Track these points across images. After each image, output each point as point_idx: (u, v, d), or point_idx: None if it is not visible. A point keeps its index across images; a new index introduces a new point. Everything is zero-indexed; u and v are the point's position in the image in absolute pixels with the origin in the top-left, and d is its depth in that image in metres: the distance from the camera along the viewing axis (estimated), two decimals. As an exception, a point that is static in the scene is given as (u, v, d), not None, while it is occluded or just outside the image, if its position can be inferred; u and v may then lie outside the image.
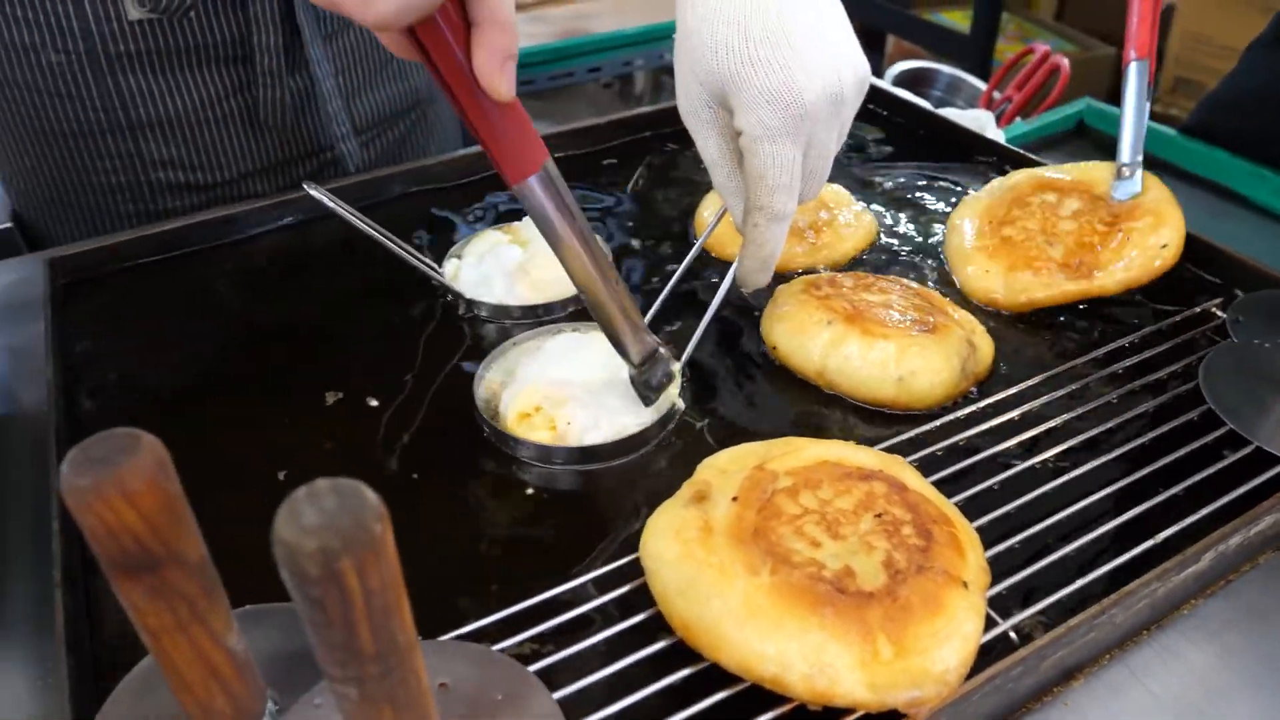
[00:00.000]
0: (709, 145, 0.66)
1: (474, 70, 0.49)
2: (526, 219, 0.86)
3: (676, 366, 0.66)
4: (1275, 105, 1.10)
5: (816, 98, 0.61)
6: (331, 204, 0.72)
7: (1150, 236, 0.77)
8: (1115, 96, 0.89)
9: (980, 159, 1.02)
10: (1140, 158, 0.81)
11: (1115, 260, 0.77)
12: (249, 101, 0.91)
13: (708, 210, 0.89)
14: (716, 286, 0.75)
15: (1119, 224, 0.79)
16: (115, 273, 0.83)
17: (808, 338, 0.69)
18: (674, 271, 0.80)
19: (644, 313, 0.74)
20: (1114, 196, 0.80)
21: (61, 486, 0.32)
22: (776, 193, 0.64)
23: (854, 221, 0.88)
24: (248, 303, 0.81)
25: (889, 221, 0.92)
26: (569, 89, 3.52)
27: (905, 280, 0.78)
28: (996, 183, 0.88)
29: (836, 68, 0.62)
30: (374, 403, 0.69)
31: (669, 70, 3.47)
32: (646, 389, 0.65)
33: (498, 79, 0.49)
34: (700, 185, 0.97)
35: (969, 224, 0.84)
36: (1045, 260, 0.78)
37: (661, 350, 0.64)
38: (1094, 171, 0.85)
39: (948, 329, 0.69)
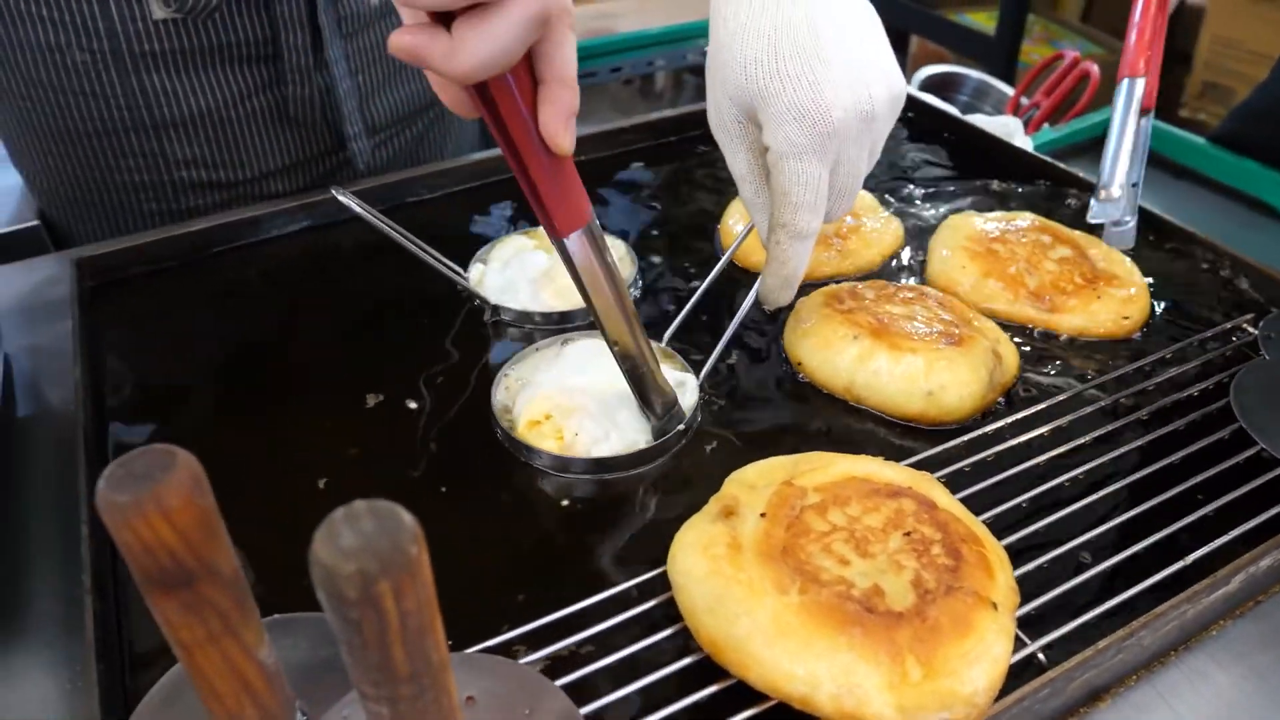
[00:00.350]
0: (737, 160, 0.66)
1: (539, 126, 0.50)
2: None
3: (692, 379, 0.66)
4: None
5: (845, 114, 0.60)
6: (358, 208, 0.72)
7: (1120, 304, 0.78)
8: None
9: (1008, 169, 1.02)
10: (1125, 181, 0.73)
11: (1078, 312, 0.77)
12: (277, 99, 0.91)
13: (732, 219, 0.89)
14: (742, 298, 0.74)
15: (1097, 283, 0.79)
16: (142, 274, 0.83)
17: (834, 353, 0.69)
18: (699, 280, 0.80)
19: (669, 323, 0.74)
20: (1090, 216, 0.75)
21: (98, 502, 0.32)
22: (801, 210, 0.63)
23: (881, 228, 0.87)
24: (274, 305, 0.82)
25: (915, 227, 0.92)
26: (590, 88, 3.52)
27: (926, 288, 0.78)
28: (1004, 213, 0.89)
29: (867, 83, 0.61)
30: (412, 405, 0.70)
31: (691, 70, 3.47)
32: (661, 432, 0.65)
33: (563, 135, 0.50)
34: (727, 191, 0.96)
35: (964, 228, 0.85)
36: (1018, 283, 0.80)
37: (681, 400, 0.66)
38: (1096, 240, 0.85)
39: (973, 340, 0.69)
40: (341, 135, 0.96)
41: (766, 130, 0.61)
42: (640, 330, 0.61)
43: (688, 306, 0.76)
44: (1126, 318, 0.77)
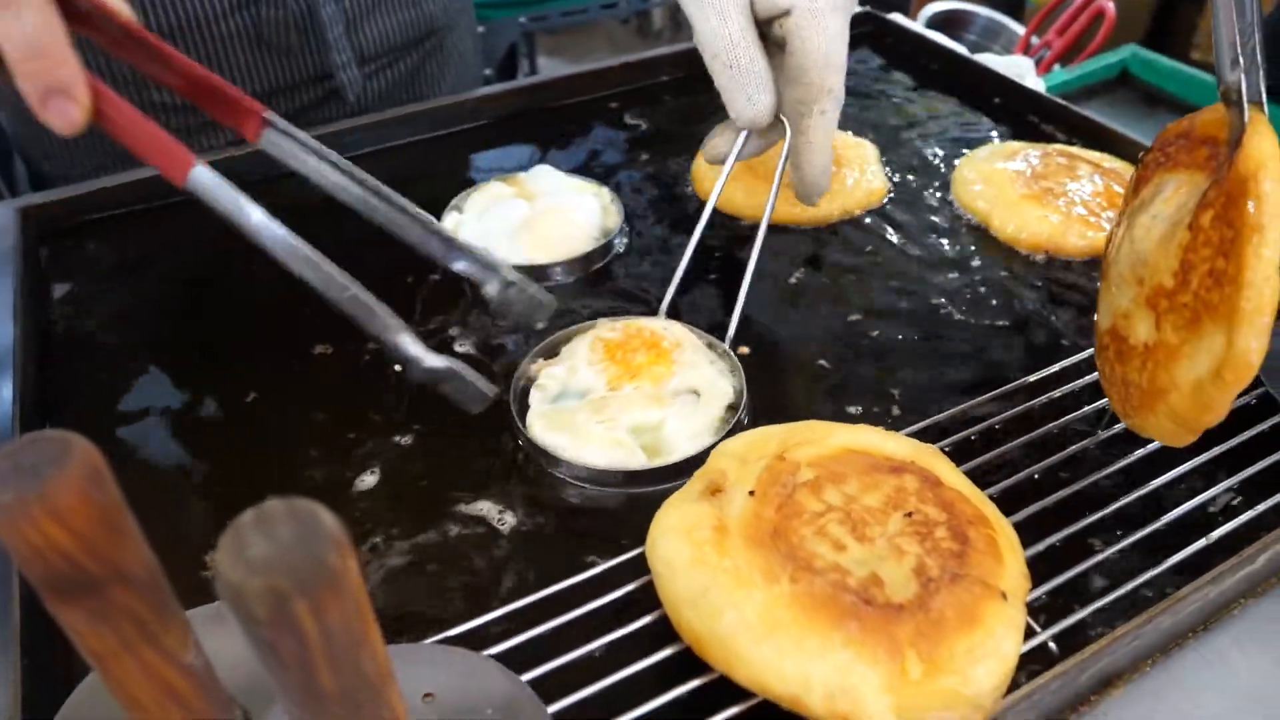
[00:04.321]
0: (729, 23, 0.60)
1: None
2: (535, 169, 0.81)
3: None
4: None
5: None
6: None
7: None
8: (1157, 42, 0.82)
9: (1018, 113, 0.96)
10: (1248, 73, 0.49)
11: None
12: (252, 19, 0.86)
13: (704, 164, 0.84)
14: (730, 246, 0.70)
15: None
16: (92, 222, 0.78)
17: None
18: (685, 231, 0.75)
19: (657, 281, 0.69)
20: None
21: (-19, 501, 0.28)
22: (842, 73, 0.60)
23: (860, 180, 0.82)
24: (235, 254, 0.76)
25: (910, 168, 0.86)
26: (585, 26, 3.42)
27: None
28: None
29: None
30: (368, 358, 0.66)
31: (687, 6, 3.37)
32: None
33: None
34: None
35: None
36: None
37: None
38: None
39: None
40: (328, 63, 0.91)
41: None
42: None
43: (681, 265, 0.69)
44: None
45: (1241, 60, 0.49)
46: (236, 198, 0.50)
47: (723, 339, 0.64)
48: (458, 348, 0.68)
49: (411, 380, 0.51)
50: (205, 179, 0.50)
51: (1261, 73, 0.49)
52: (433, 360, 0.50)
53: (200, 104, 0.53)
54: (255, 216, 0.50)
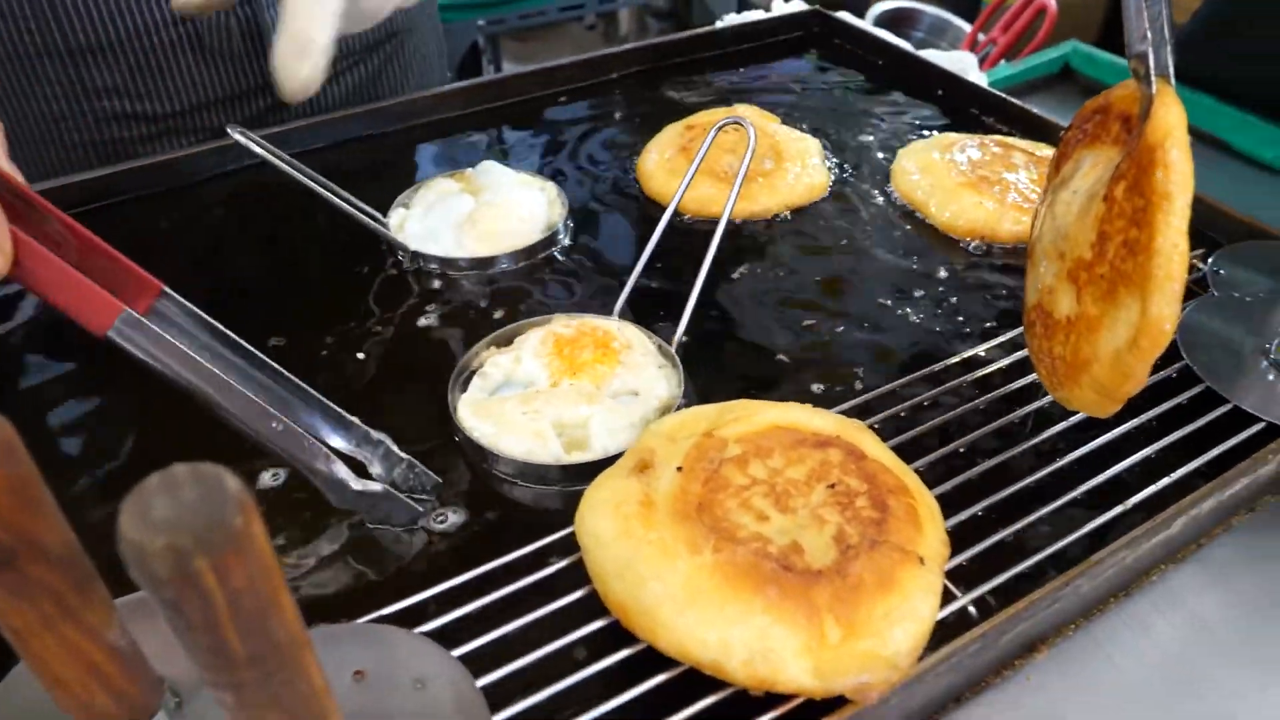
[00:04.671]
0: None
1: None
2: (482, 165, 0.82)
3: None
4: (1222, 43, 1.05)
5: None
6: (261, 150, 0.67)
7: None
8: (1105, 40, 0.84)
9: (960, 104, 0.98)
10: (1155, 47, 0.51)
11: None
12: (194, 27, 0.86)
13: (651, 155, 0.86)
14: (679, 243, 0.71)
15: None
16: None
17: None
18: (627, 220, 0.76)
19: (611, 277, 0.69)
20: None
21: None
22: None
23: (801, 174, 0.84)
24: (187, 252, 0.77)
25: (853, 161, 0.88)
26: (551, 32, 3.43)
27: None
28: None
29: None
30: (324, 354, 0.67)
31: (655, 13, 3.39)
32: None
33: None
34: (652, 129, 0.92)
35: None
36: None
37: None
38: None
39: None
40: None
41: None
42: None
43: (636, 270, 0.70)
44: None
45: (1150, 35, 0.51)
46: (161, 341, 0.49)
47: (672, 335, 0.65)
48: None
49: (340, 506, 0.52)
50: (128, 328, 0.48)
51: (1169, 47, 0.51)
52: (360, 485, 0.52)
53: (92, 275, 0.49)
54: (181, 358, 0.49)
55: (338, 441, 0.55)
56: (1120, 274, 0.47)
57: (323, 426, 0.55)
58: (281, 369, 0.54)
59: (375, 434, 0.55)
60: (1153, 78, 0.49)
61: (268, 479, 0.57)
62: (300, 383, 0.54)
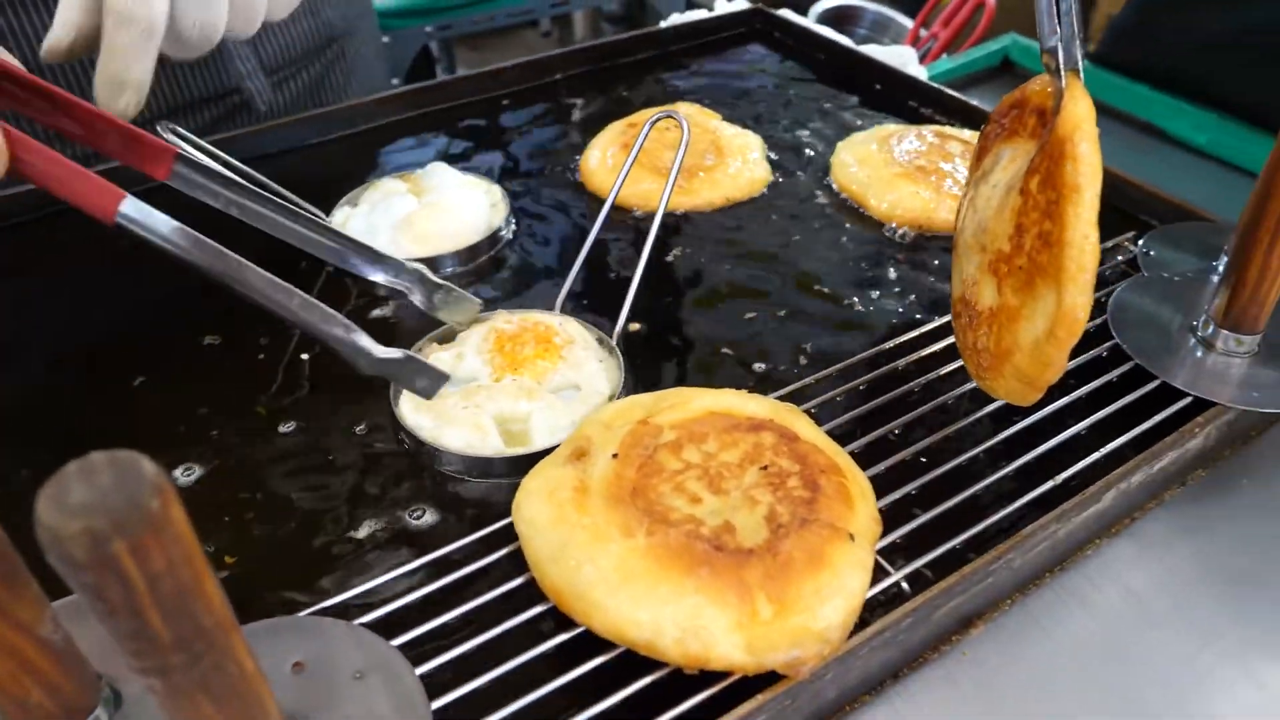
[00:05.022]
0: None
1: None
2: (430, 167, 0.82)
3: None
4: (1154, 31, 1.07)
5: None
6: (189, 149, 0.66)
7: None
8: None
9: (900, 97, 1.00)
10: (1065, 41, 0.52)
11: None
12: None
13: (594, 154, 0.86)
14: (621, 237, 0.71)
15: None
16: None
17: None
18: (566, 218, 0.76)
19: (554, 275, 0.69)
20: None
21: None
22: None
23: (742, 169, 0.85)
24: (119, 256, 0.77)
25: (794, 156, 0.89)
26: (507, 39, 3.43)
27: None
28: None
29: None
30: (260, 356, 0.67)
31: (609, 18, 3.40)
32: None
33: None
34: (595, 128, 0.93)
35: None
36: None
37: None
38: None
39: None
40: (228, 77, 0.91)
41: None
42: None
43: (575, 266, 0.70)
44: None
45: (1060, 30, 0.53)
46: (169, 224, 0.50)
47: (613, 329, 0.66)
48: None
49: (369, 373, 0.52)
50: (134, 212, 0.50)
51: (1078, 41, 0.52)
52: (383, 352, 0.53)
53: (106, 150, 0.53)
54: (191, 239, 0.51)
55: (378, 276, 0.61)
56: (1036, 265, 0.48)
57: (362, 264, 0.60)
58: (316, 212, 0.55)
59: (410, 263, 0.60)
60: (1063, 72, 0.50)
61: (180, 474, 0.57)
62: (334, 228, 0.59)
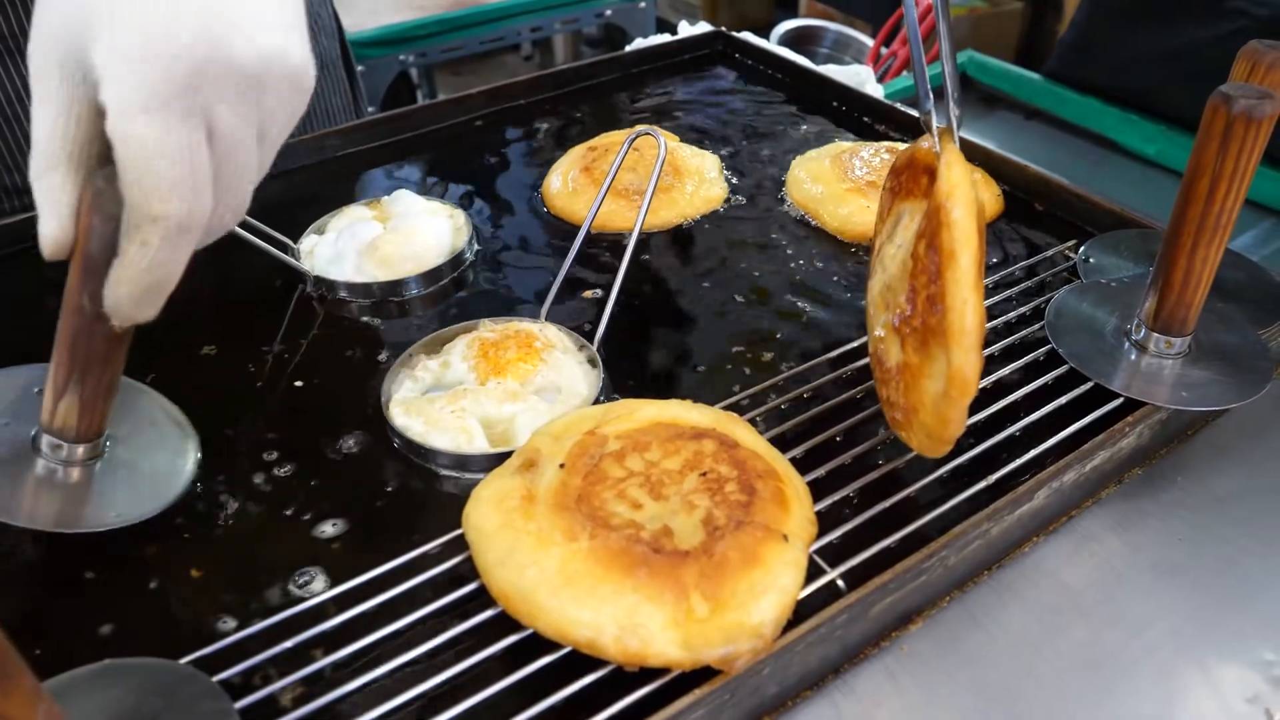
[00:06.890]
0: (45, 121, 0.45)
1: None
2: (396, 193, 0.84)
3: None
4: (1099, 49, 1.11)
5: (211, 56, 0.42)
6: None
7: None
8: (1024, 54, 0.89)
9: (856, 115, 1.03)
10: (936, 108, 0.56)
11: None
12: None
13: (554, 182, 0.88)
14: (595, 255, 0.73)
15: None
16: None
17: None
18: (531, 244, 0.79)
19: (516, 296, 0.72)
20: None
21: None
22: (169, 201, 0.44)
23: (699, 188, 0.87)
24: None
25: (753, 174, 0.92)
26: (485, 60, 3.47)
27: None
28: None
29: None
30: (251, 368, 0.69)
31: (589, 42, 3.44)
32: None
33: None
34: (557, 153, 0.95)
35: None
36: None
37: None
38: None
39: None
40: None
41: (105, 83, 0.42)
42: None
43: (556, 282, 0.73)
44: None
45: (931, 94, 0.54)
46: None
47: (593, 339, 0.68)
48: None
49: None
50: None
51: (953, 103, 0.53)
52: None
53: None
54: None
55: None
56: (928, 327, 0.49)
57: None
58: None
59: None
60: (936, 135, 0.51)
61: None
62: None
